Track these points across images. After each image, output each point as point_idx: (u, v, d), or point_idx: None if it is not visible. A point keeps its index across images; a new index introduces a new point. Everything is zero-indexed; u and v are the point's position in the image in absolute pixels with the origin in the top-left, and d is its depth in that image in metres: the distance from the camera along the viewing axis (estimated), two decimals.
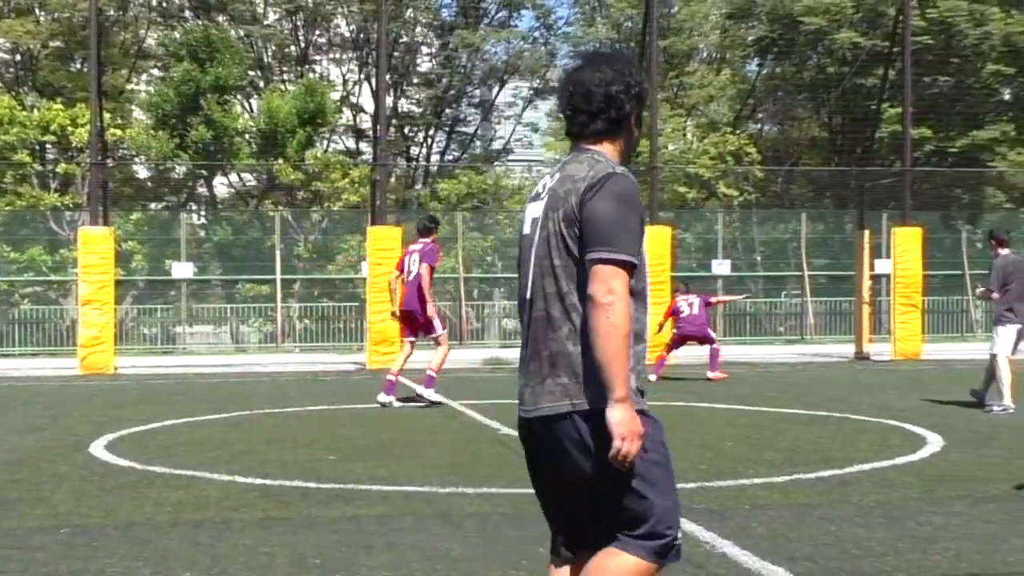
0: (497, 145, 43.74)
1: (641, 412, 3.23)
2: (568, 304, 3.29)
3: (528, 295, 3.41)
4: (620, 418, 3.12)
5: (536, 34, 41.13)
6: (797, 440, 9.86)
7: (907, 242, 22.38)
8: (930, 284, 26.18)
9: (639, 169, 27.37)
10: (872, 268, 24.85)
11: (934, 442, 9.54)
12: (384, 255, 19.90)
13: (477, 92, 42.03)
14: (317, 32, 38.92)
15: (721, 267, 29.97)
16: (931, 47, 36.08)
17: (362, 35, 38.19)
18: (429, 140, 41.33)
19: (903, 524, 6.21)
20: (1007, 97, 40.88)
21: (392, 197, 29.39)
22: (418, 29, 39.64)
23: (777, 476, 7.78)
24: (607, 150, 3.42)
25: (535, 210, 3.43)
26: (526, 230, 3.47)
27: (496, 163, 39.77)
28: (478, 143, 43.80)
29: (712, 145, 35.30)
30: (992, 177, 38.46)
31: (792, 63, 40.44)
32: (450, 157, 41.46)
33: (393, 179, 34.97)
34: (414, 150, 41.22)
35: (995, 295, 12.48)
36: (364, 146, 39.44)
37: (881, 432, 10.37)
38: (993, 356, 12.45)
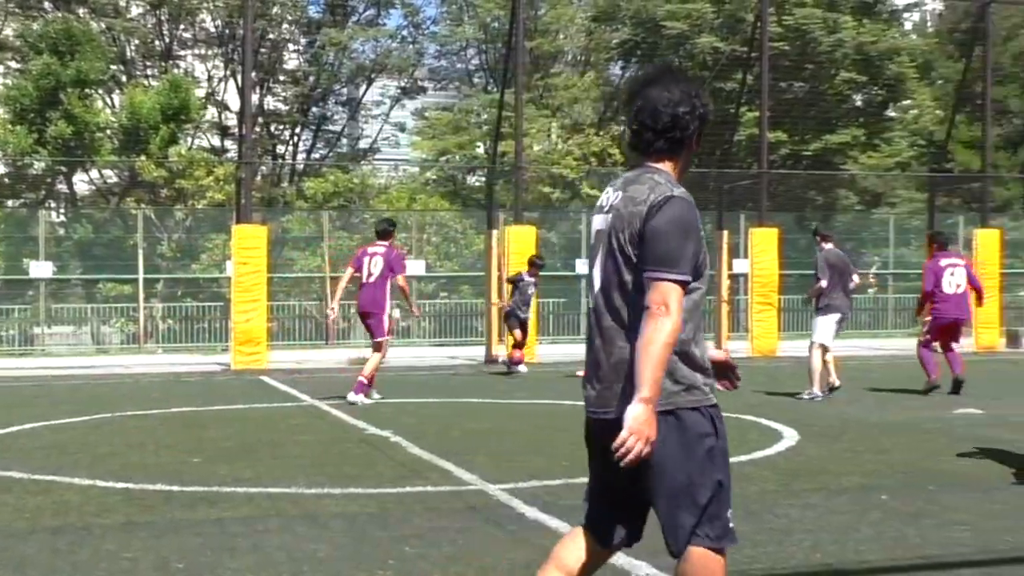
0: (364, 144, 43.54)
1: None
2: (630, 314, 3.51)
3: (595, 304, 3.65)
4: (638, 415, 3.31)
5: (404, 33, 41.09)
6: None
7: (764, 242, 22.99)
8: (786, 283, 26.89)
9: (505, 168, 27.60)
10: (731, 268, 25.43)
11: (789, 437, 9.84)
12: (249, 254, 19.64)
13: (344, 90, 41.78)
14: (182, 27, 38.16)
15: (585, 266, 30.29)
16: (787, 53, 37.13)
17: (227, 31, 37.56)
18: (295, 138, 40.89)
19: (761, 517, 6.38)
20: (858, 103, 42.30)
21: (257, 195, 28.94)
22: (284, 26, 39.17)
23: None
24: (667, 168, 3.63)
25: (599, 223, 3.67)
26: (593, 241, 3.72)
27: (363, 162, 39.58)
28: (345, 142, 43.54)
29: (576, 146, 35.72)
30: (844, 180, 39.77)
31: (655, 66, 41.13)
32: (317, 155, 41.11)
33: (259, 177, 34.43)
34: (280, 148, 40.75)
35: (824, 283, 13.28)
36: (229, 144, 38.79)
37: (739, 427, 10.62)
38: (812, 345, 13.42)
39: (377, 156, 41.94)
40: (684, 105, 3.58)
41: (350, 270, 13.55)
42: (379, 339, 12.99)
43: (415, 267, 28.59)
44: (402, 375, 18.00)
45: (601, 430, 3.54)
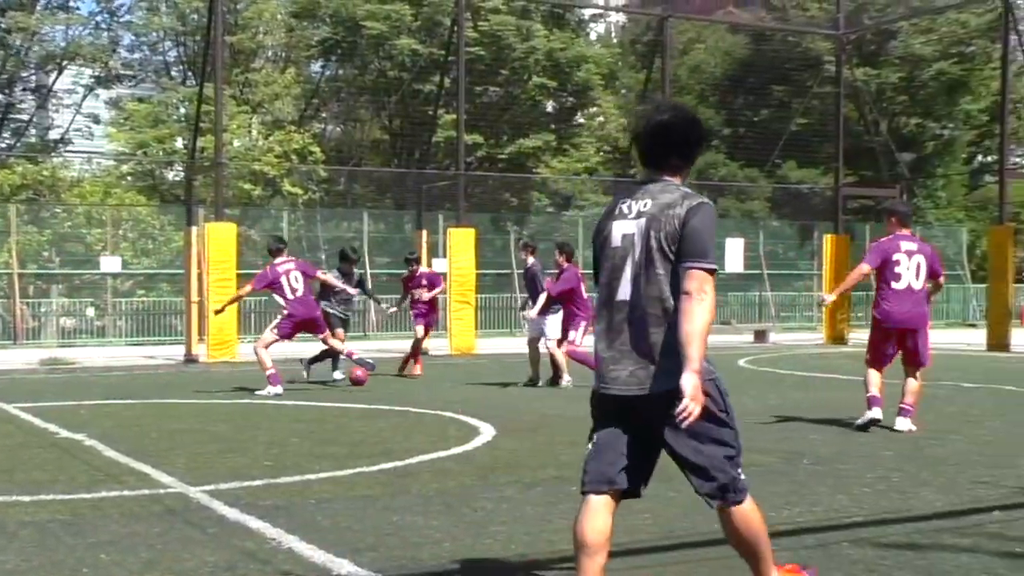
0: (55, 134, 41.40)
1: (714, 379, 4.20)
2: (667, 306, 4.15)
3: (625, 297, 4.24)
4: (693, 384, 3.97)
5: (98, 19, 39.35)
6: (360, 434, 10.14)
7: (461, 242, 23.45)
8: (482, 282, 27.49)
9: (204, 164, 26.93)
10: (430, 267, 25.78)
11: (487, 432, 10.08)
12: None
13: (33, 77, 39.58)
14: None
15: None
16: (483, 58, 37.93)
17: None
18: None
19: (459, 511, 6.52)
20: (550, 109, 43.74)
21: None
22: None
23: (341, 470, 7.96)
24: (677, 180, 4.34)
25: (626, 227, 4.27)
26: (615, 243, 4.30)
27: (53, 153, 37.64)
28: (34, 131, 41.26)
29: (277, 143, 35.27)
30: (537, 182, 41.01)
31: (355, 66, 41.15)
32: (3, 145, 38.77)
33: None
34: None
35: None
36: None
37: (439, 424, 10.86)
38: (537, 341, 14.92)
39: (69, 148, 39.98)
40: (692, 132, 4.36)
41: (249, 287, 14.89)
42: (322, 335, 14.79)
43: (110, 264, 27.47)
44: (98, 376, 17.31)
45: (640, 404, 4.18)
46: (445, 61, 28.85)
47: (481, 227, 26.75)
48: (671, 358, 4.08)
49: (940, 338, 29.42)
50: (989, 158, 54.77)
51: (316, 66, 43.02)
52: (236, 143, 35.28)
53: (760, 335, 28.85)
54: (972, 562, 5.24)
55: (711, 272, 4.10)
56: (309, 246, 34.19)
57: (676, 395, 3.97)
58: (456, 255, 23.41)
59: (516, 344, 27.59)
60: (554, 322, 14.83)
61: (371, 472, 7.93)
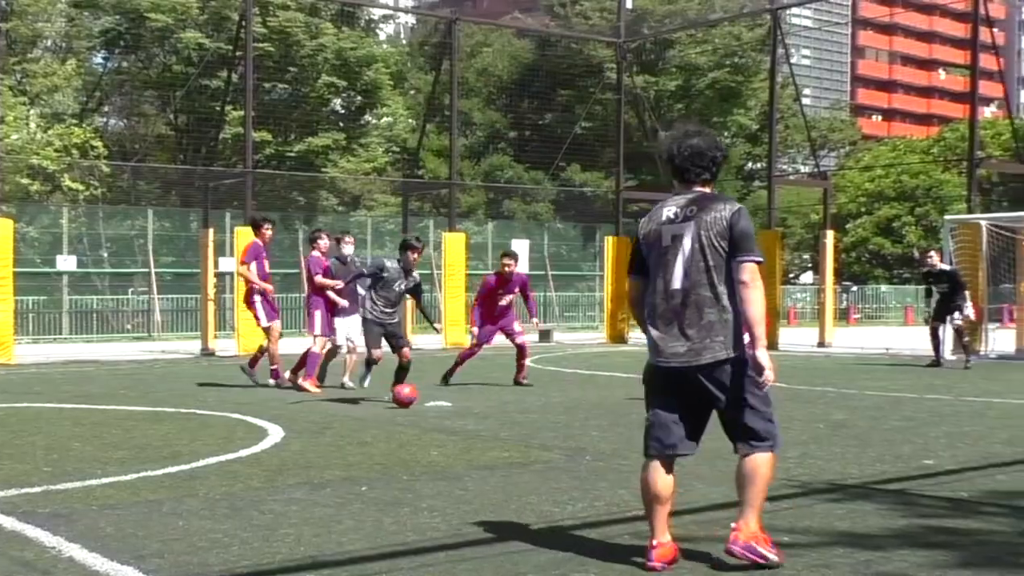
0: None
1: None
2: (719, 291, 5.12)
3: (679, 286, 5.15)
4: (766, 357, 5.06)
5: None
6: (145, 437, 9.90)
7: (247, 241, 23.03)
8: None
9: None
10: (217, 266, 25.31)
11: (275, 433, 10.01)
12: None
13: None
14: None
15: (67, 263, 28.98)
16: (271, 54, 37.40)
17: None
18: None
19: (247, 514, 6.46)
20: (339, 108, 43.48)
21: None
22: None
23: (126, 474, 7.78)
24: (708, 189, 5.31)
25: (674, 229, 5.19)
26: (666, 243, 5.21)
27: None
28: None
29: (57, 137, 33.87)
30: (325, 181, 40.71)
31: (139, 59, 39.97)
32: None
33: None
34: None
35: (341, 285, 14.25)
36: None
37: (226, 426, 10.71)
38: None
39: None
40: (719, 151, 5.33)
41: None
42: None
43: None
44: None
45: (695, 374, 5.13)
46: (233, 56, 28.35)
47: None
48: (720, 334, 5.10)
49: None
50: (759, 165, 57.37)
51: (98, 58, 41.54)
52: (13, 136, 33.71)
53: (545, 335, 29.43)
54: None
55: (759, 263, 5.10)
56: (91, 244, 33.06)
57: (731, 364, 5.09)
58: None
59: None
60: (341, 324, 14.72)
61: (157, 476, 7.77)
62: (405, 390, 12.44)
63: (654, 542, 5.23)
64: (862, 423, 10.89)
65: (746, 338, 5.11)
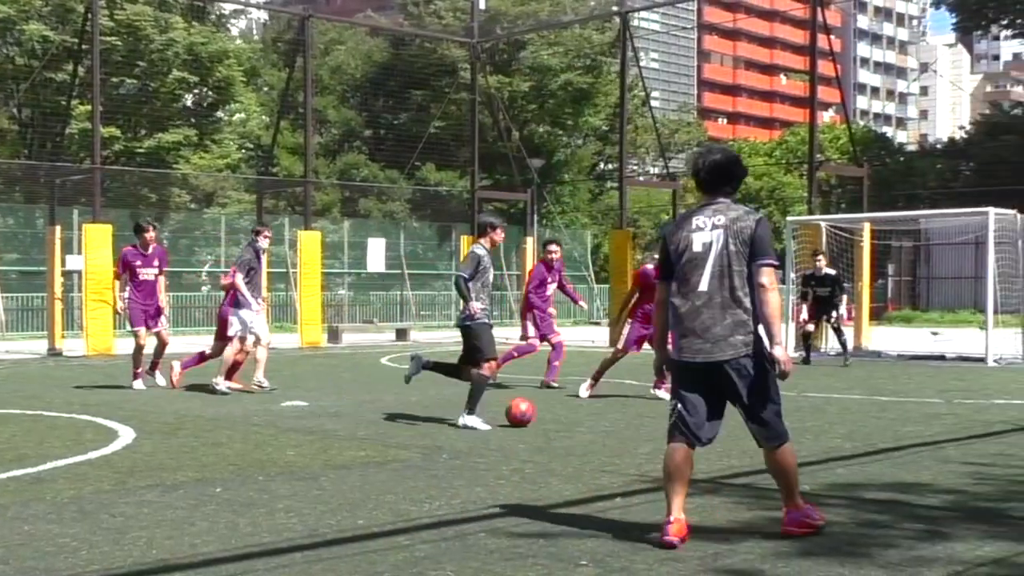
0: None
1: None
2: (741, 294, 5.69)
3: (704, 288, 5.70)
4: (784, 353, 5.68)
5: None
6: None
7: (98, 239, 22.50)
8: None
9: None
10: (64, 264, 24.62)
11: (126, 435, 9.83)
12: None
13: None
14: None
15: None
16: (119, 48, 36.52)
17: None
18: None
19: (97, 517, 6.35)
20: (190, 103, 42.67)
21: None
22: None
23: None
24: (729, 200, 5.89)
25: (704, 236, 5.76)
26: (696, 249, 5.76)
27: None
28: None
29: None
30: (177, 178, 39.91)
31: None
32: None
33: None
34: None
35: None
36: None
37: (75, 427, 10.45)
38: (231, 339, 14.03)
39: None
40: (739, 168, 5.97)
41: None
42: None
43: None
44: None
45: (716, 369, 5.68)
46: (79, 50, 27.59)
47: (119, 223, 25.77)
48: (741, 333, 5.65)
49: (568, 335, 31.07)
50: (610, 166, 58.24)
51: None
52: None
53: (402, 333, 29.41)
54: (598, 546, 5.64)
55: (777, 267, 5.71)
56: None
57: (752, 359, 5.65)
58: (92, 252, 22.41)
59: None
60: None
61: (1, 480, 7.57)
62: (523, 406, 10.55)
63: (671, 518, 5.64)
64: None
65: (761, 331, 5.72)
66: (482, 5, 44.59)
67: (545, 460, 8.53)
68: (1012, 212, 21.17)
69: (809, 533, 5.78)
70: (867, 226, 24.02)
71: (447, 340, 29.56)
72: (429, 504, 6.79)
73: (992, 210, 20.31)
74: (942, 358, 20.39)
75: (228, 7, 44.38)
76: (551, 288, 15.16)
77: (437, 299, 41.62)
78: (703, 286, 5.72)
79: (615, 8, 41.91)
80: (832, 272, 20.06)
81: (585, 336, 29.65)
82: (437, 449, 9.08)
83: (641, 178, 54.37)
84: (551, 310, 15.29)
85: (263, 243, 14.27)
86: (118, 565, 5.33)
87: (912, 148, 76.04)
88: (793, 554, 5.46)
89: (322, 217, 40.65)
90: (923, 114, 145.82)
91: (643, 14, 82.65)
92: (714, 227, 5.77)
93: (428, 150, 38.77)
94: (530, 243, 30.63)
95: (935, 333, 23.39)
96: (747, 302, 5.69)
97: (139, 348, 14.53)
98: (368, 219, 45.43)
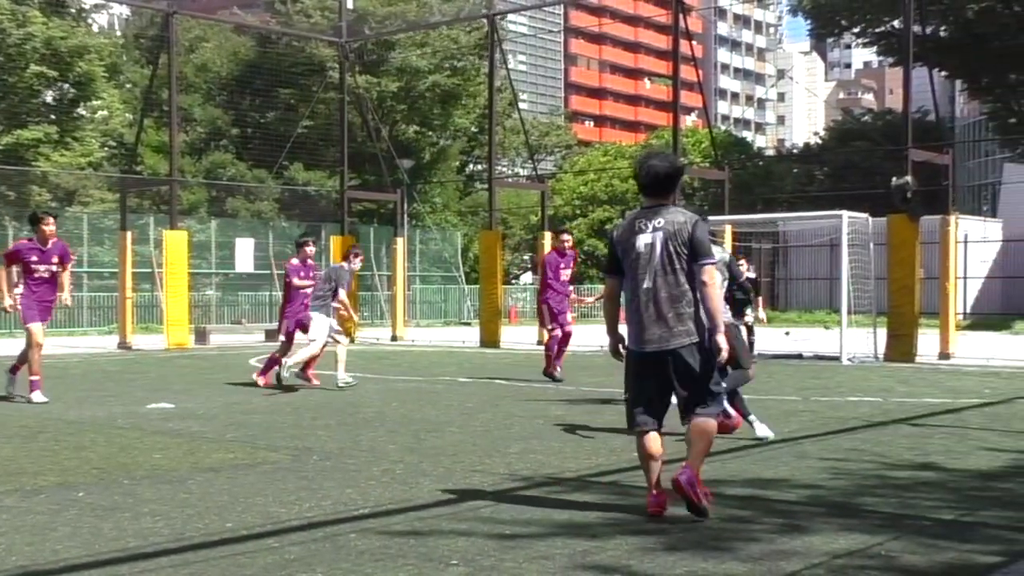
0: None
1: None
2: (683, 290, 6.28)
3: (649, 285, 6.30)
4: (723, 340, 6.27)
5: None
6: None
7: None
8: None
9: None
10: None
11: None
12: None
13: None
14: None
15: None
16: None
17: None
18: None
19: None
20: (50, 99, 41.51)
21: None
22: None
23: None
24: (669, 201, 6.44)
25: (646, 238, 6.34)
26: (640, 249, 6.35)
27: None
28: None
29: None
30: (37, 176, 38.82)
31: None
32: None
33: None
34: None
35: None
36: None
37: None
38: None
39: None
40: (675, 170, 6.48)
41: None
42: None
43: None
44: None
45: (665, 357, 6.28)
46: None
47: None
48: (683, 324, 6.24)
49: (439, 336, 31.11)
50: (479, 167, 58.45)
51: None
52: None
53: (271, 334, 29.06)
54: (468, 546, 5.69)
55: (713, 265, 6.32)
56: None
57: (696, 346, 6.24)
58: None
59: (15, 345, 25.93)
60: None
61: None
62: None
63: (654, 492, 6.33)
64: (579, 419, 11.35)
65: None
66: (350, 5, 44.26)
67: (416, 460, 8.57)
68: (864, 216, 21.94)
69: (686, 502, 6.23)
70: (728, 228, 24.60)
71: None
72: (299, 506, 6.76)
73: (845, 213, 21.01)
74: (799, 357, 21.00)
75: (88, 1, 43.33)
76: (566, 274, 15.83)
77: None
78: (647, 283, 6.31)
79: (484, 10, 42.07)
80: (752, 275, 20.57)
81: (455, 336, 29.73)
82: (307, 451, 9.05)
83: (510, 179, 54.69)
84: (572, 295, 16.28)
85: (356, 265, 15.12)
86: None
87: (770, 153, 78.17)
88: (659, 549, 5.61)
89: (189, 216, 39.95)
90: (780, 119, 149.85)
91: (511, 17, 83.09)
92: (654, 229, 6.34)
93: (296, 149, 38.42)
94: (400, 243, 30.56)
95: (787, 333, 24.09)
96: (689, 296, 6.28)
97: (35, 346, 13.08)
98: (236, 219, 44.79)
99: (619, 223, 6.68)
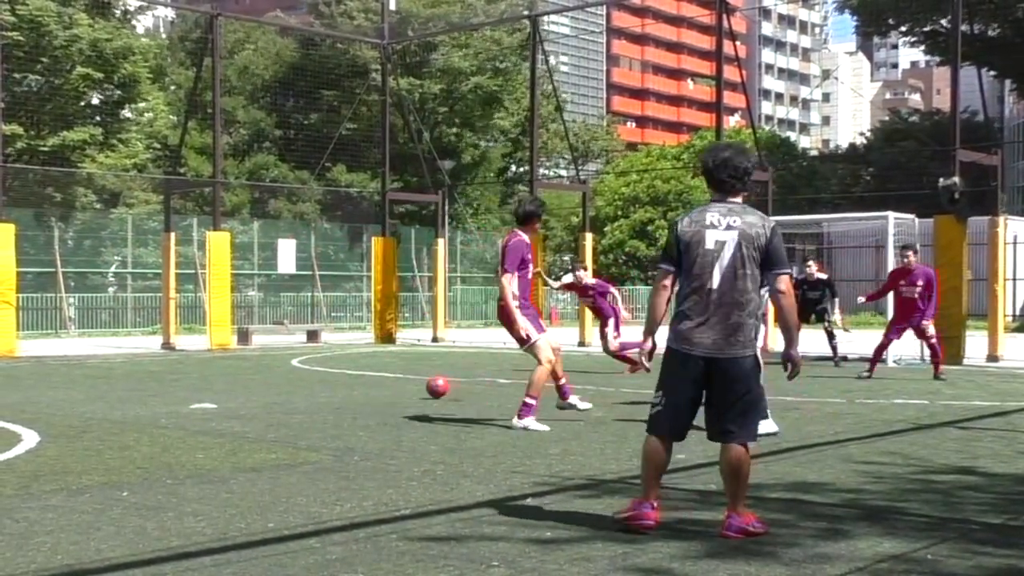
0: None
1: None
2: (748, 297, 5.87)
3: (715, 286, 5.84)
4: (799, 355, 6.04)
5: None
6: None
7: (0, 239, 22.03)
8: (24, 281, 25.95)
9: None
10: None
11: (30, 439, 9.65)
12: None
13: None
14: None
15: None
16: (22, 44, 35.80)
17: None
18: None
19: (0, 523, 6.25)
20: (95, 101, 41.92)
21: None
22: None
23: None
24: (741, 199, 6.06)
25: (718, 235, 5.88)
26: (709, 246, 5.87)
27: None
28: None
29: None
30: (83, 178, 39.21)
31: None
32: None
33: None
34: None
35: None
36: None
37: None
38: None
39: None
40: (749, 163, 6.08)
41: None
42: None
43: None
44: None
45: (715, 364, 5.83)
46: None
47: (22, 223, 25.23)
48: (742, 334, 5.84)
49: (479, 337, 31.09)
50: (521, 169, 58.42)
51: None
52: None
53: (313, 335, 29.22)
54: (509, 547, 5.67)
55: (790, 275, 6.04)
56: None
57: (748, 359, 5.85)
58: None
59: (60, 346, 26.26)
60: None
61: None
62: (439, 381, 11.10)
63: (654, 503, 5.98)
64: (619, 420, 11.30)
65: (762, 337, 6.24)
66: (393, 6, 44.44)
67: (456, 461, 8.56)
68: (910, 216, 21.72)
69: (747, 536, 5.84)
70: None
71: (359, 341, 29.44)
72: (340, 506, 6.77)
73: (891, 214, 20.82)
74: (845, 359, 20.81)
75: (133, 3, 43.73)
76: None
77: (348, 300, 41.42)
78: (713, 283, 5.86)
79: (525, 11, 42.08)
80: (824, 276, 20.49)
81: (495, 338, 29.73)
82: (348, 451, 9.06)
83: (552, 180, 54.63)
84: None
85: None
86: (22, 571, 5.24)
87: (815, 153, 77.58)
88: (700, 554, 5.56)
89: (231, 218, 40.24)
90: (825, 120, 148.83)
91: (553, 17, 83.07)
92: (728, 227, 5.90)
93: (339, 151, 38.58)
94: (441, 244, 30.62)
95: (847, 330, 23.97)
96: (751, 306, 5.89)
97: None
98: (278, 220, 45.06)
99: (686, 213, 6.18)
